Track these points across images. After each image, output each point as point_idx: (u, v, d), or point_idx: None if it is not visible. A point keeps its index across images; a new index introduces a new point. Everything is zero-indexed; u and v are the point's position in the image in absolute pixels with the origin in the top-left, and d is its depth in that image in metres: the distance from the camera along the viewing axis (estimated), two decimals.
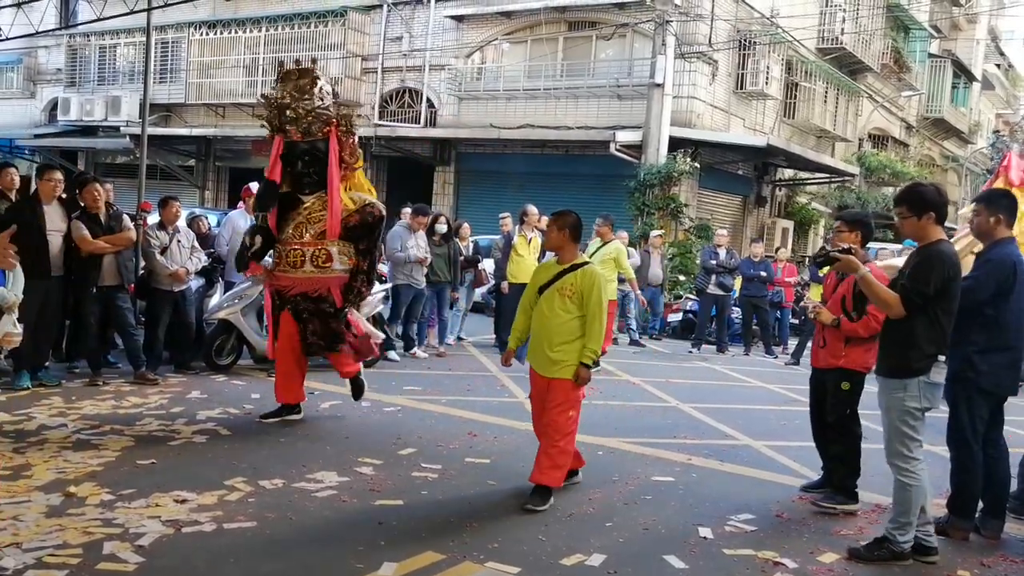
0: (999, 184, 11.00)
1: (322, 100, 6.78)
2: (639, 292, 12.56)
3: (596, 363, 5.44)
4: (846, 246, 4.97)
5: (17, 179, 8.33)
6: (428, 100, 19.19)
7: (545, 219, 12.54)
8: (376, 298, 9.51)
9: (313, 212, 6.77)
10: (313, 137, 6.72)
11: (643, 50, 17.08)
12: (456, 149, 19.28)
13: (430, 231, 10.66)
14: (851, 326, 5.53)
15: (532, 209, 11.52)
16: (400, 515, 4.84)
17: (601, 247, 11.22)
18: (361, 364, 7.34)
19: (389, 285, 10.19)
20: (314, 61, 7.22)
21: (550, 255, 5.76)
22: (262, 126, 7.10)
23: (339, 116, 6.84)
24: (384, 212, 6.96)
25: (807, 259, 17.00)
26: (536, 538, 4.67)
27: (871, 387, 5.11)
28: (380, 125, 19.07)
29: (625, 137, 16.20)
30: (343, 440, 6.47)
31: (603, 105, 17.50)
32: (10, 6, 11.44)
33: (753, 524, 5.15)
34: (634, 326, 13.55)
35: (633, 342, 13.33)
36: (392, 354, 10.06)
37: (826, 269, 6.20)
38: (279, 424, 6.85)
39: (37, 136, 23.82)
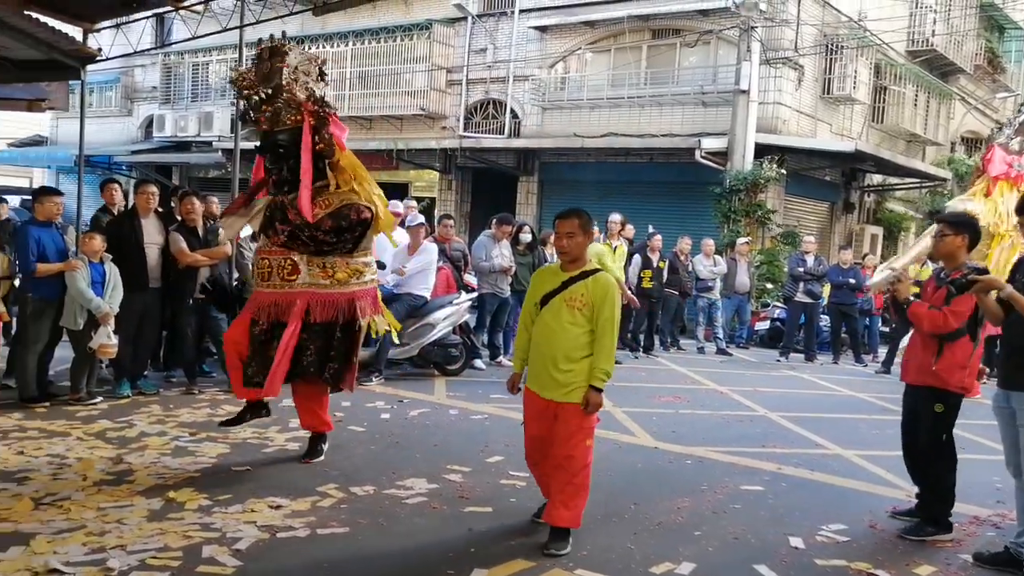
0: (980, 181, 10.75)
1: (294, 80, 5.67)
2: (630, 293, 11.61)
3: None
4: (974, 265, 4.85)
5: (120, 194, 8.68)
6: (512, 111, 19.29)
7: (631, 228, 12.52)
8: (463, 307, 9.60)
9: (287, 215, 5.70)
10: (283, 127, 5.64)
11: (728, 56, 16.86)
12: (539, 159, 19.33)
13: (514, 241, 10.70)
14: (920, 311, 5.09)
15: (615, 217, 11.47)
16: (489, 522, 4.86)
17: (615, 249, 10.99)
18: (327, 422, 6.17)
19: (475, 294, 10.27)
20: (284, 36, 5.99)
21: (554, 260, 5.25)
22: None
23: (312, 99, 5.67)
24: (372, 214, 5.78)
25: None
26: (625, 546, 4.63)
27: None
28: (465, 136, 19.23)
29: (710, 144, 16.01)
30: (431, 448, 6.53)
31: (687, 112, 17.33)
32: (109, 27, 11.91)
33: (845, 534, 5.03)
34: (721, 335, 13.37)
35: (720, 351, 13.15)
36: (478, 363, 10.13)
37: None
38: (368, 432, 6.94)
39: (134, 152, 24.69)
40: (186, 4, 11.14)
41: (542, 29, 18.95)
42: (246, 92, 5.65)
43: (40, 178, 28.71)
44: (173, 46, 21.19)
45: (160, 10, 11.28)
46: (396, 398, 8.31)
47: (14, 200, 16.40)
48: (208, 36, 13.07)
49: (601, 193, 17.65)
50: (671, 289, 13.06)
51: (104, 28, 11.68)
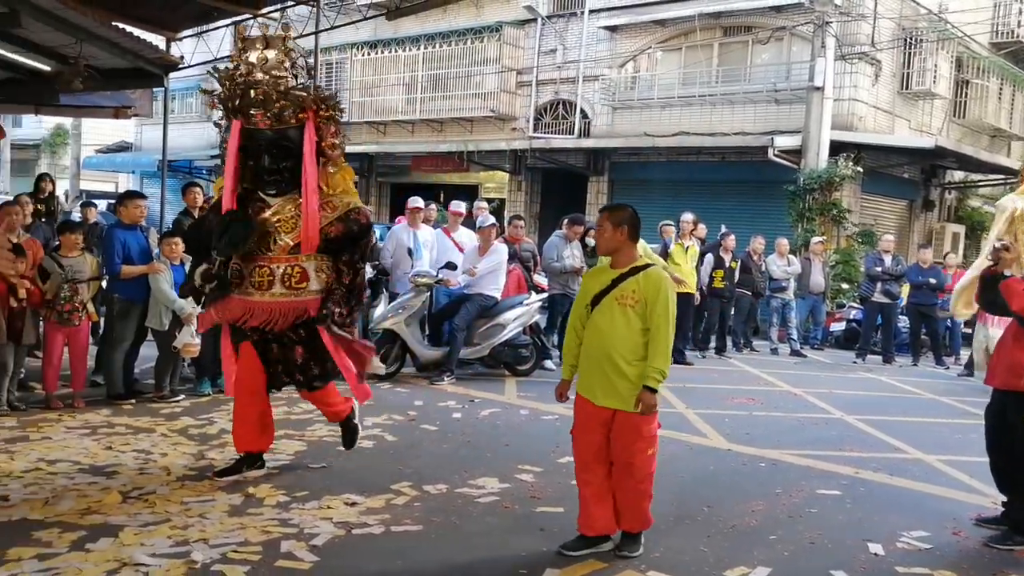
0: None
1: (296, 78, 5.48)
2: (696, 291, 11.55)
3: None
4: None
5: (201, 197, 8.92)
6: (582, 111, 19.28)
7: (703, 227, 12.41)
8: (533, 307, 9.65)
9: (283, 218, 5.35)
10: (285, 124, 5.33)
11: (801, 53, 16.59)
12: (610, 159, 19.27)
13: (584, 241, 10.70)
14: (1017, 286, 4.83)
15: (688, 216, 11.38)
16: (561, 522, 4.86)
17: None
18: (354, 404, 5.90)
19: (546, 294, 10.30)
20: (287, 28, 5.72)
21: (604, 259, 4.67)
22: (218, 106, 5.58)
23: (318, 98, 5.42)
24: (371, 218, 5.62)
25: None
26: (698, 549, 4.61)
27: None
28: (534, 137, 19.29)
29: (783, 142, 15.77)
30: (503, 447, 6.58)
31: (760, 110, 17.10)
32: (191, 36, 12.29)
33: (928, 541, 4.91)
34: (795, 336, 13.16)
35: (794, 352, 12.94)
36: (549, 363, 10.14)
37: None
38: (440, 431, 7.02)
39: (213, 156, 25.31)
40: (263, 11, 11.41)
41: (612, 29, 18.90)
42: (257, 85, 5.30)
43: (125, 182, 29.63)
44: None
45: (239, 18, 11.56)
46: (467, 398, 8.39)
47: (101, 204, 17.01)
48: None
49: (672, 193, 17.52)
50: (743, 289, 12.91)
51: (186, 37, 12.08)
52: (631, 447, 4.35)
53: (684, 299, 10.05)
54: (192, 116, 27.03)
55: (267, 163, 5.34)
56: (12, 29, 8.00)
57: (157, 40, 10.83)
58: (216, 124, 5.90)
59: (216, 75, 5.54)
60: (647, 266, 4.45)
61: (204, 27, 12.41)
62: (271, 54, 5.36)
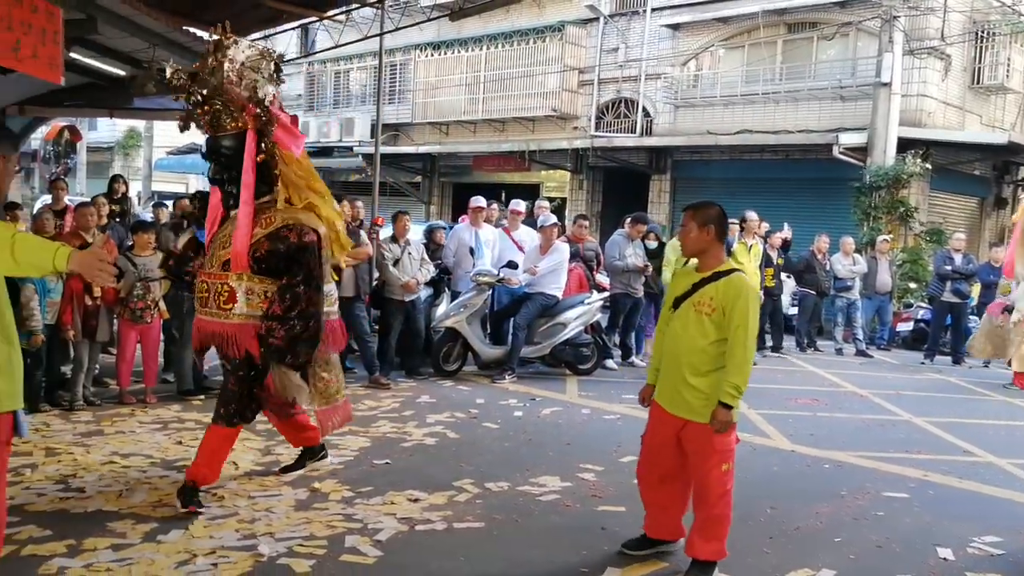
0: None
1: (239, 79, 4.84)
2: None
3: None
4: None
5: None
6: (644, 109, 19.17)
7: (765, 225, 12.26)
8: (594, 306, 9.64)
9: (227, 232, 4.95)
10: (224, 131, 4.88)
11: (868, 48, 16.26)
12: (672, 157, 19.13)
13: (645, 242, 10.64)
14: None
15: (752, 215, 11.26)
16: (623, 521, 4.86)
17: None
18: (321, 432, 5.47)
19: (607, 293, 10.28)
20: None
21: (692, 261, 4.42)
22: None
23: (254, 100, 4.85)
24: (316, 238, 4.90)
25: None
26: (761, 551, 4.57)
27: None
28: (596, 136, 19.25)
29: (849, 139, 15.47)
30: (564, 446, 6.59)
31: (825, 107, 16.81)
32: (259, 39, 12.52)
33: (1001, 547, 4.78)
34: (861, 336, 12.92)
35: (860, 352, 12.70)
36: (610, 363, 10.13)
37: None
38: (502, 429, 7.06)
39: None
40: (329, 14, 11.59)
41: (674, 27, 18.75)
42: (180, 92, 4.91)
43: (195, 183, 30.31)
44: (317, 55, 22.01)
45: (305, 21, 11.77)
46: (528, 396, 8.42)
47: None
48: (350, 44, 13.58)
49: (735, 191, 17.31)
50: (807, 288, 12.72)
51: (254, 40, 12.28)
52: (704, 462, 4.09)
53: None
54: None
55: (212, 172, 5.00)
56: (90, 35, 8.24)
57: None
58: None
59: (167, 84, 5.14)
60: (731, 271, 4.15)
61: (272, 30, 12.63)
62: (216, 56, 4.84)
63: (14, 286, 7.01)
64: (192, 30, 9.47)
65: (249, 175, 4.83)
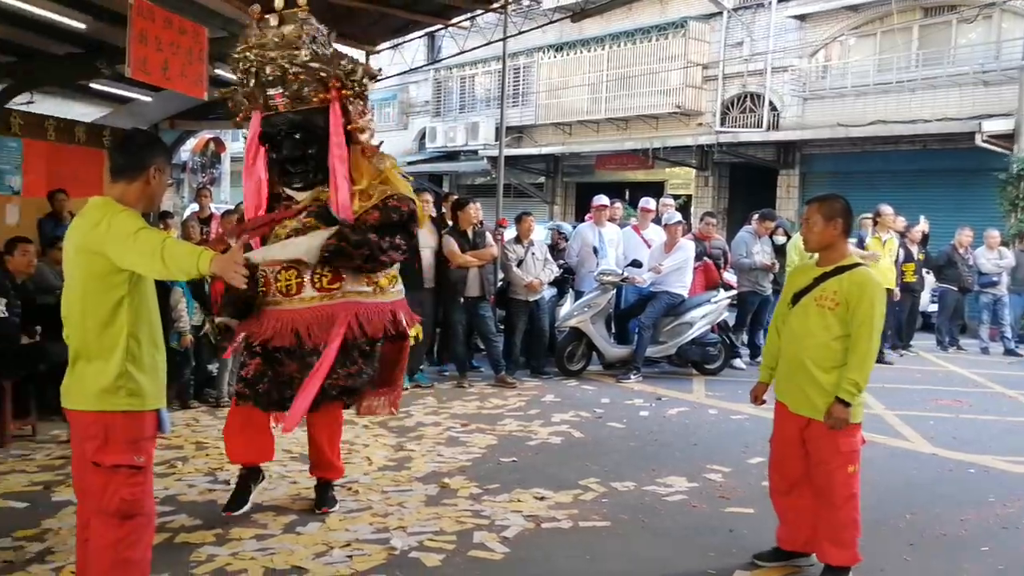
0: None
1: (318, 52, 4.60)
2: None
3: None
4: None
5: None
6: (770, 103, 18.72)
7: (900, 219, 11.79)
8: (721, 305, 9.49)
9: (311, 215, 4.64)
10: (307, 105, 4.58)
11: (1013, 30, 15.40)
12: (800, 151, 18.61)
13: (773, 238, 10.40)
14: None
15: (886, 209, 10.85)
16: (751, 524, 4.79)
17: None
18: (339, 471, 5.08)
19: (734, 292, 10.10)
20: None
21: (808, 256, 4.32)
22: (229, 103, 4.87)
23: (340, 73, 4.61)
24: (415, 207, 4.71)
25: None
26: (901, 559, 4.40)
27: None
28: (721, 132, 18.93)
29: (993, 127, 14.68)
30: (691, 446, 6.53)
31: (965, 94, 16.00)
32: (388, 48, 12.89)
33: None
34: (1009, 334, 12.24)
35: (1008, 351, 12.04)
36: (738, 362, 9.95)
37: None
38: (627, 429, 7.04)
39: (409, 163, 26.41)
40: (454, 21, 11.82)
41: (801, 18, 18.24)
42: (271, 62, 4.52)
43: None
44: (443, 61, 22.44)
45: (431, 28, 12.03)
46: (654, 396, 8.37)
47: None
48: (475, 50, 13.80)
49: (868, 184, 16.70)
50: (949, 284, 12.16)
51: (383, 49, 12.67)
52: (828, 463, 3.96)
53: None
54: (389, 124, 28.25)
55: (290, 150, 4.62)
56: (231, 52, 8.70)
57: (358, 54, 11.45)
58: (236, 124, 5.18)
59: (230, 63, 4.77)
60: (855, 265, 4.02)
61: (400, 39, 12.98)
62: (287, 29, 4.55)
63: (164, 291, 7.46)
64: None
65: (341, 148, 4.57)
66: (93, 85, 11.15)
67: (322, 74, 4.54)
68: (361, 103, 4.72)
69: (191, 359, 7.47)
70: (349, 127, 4.64)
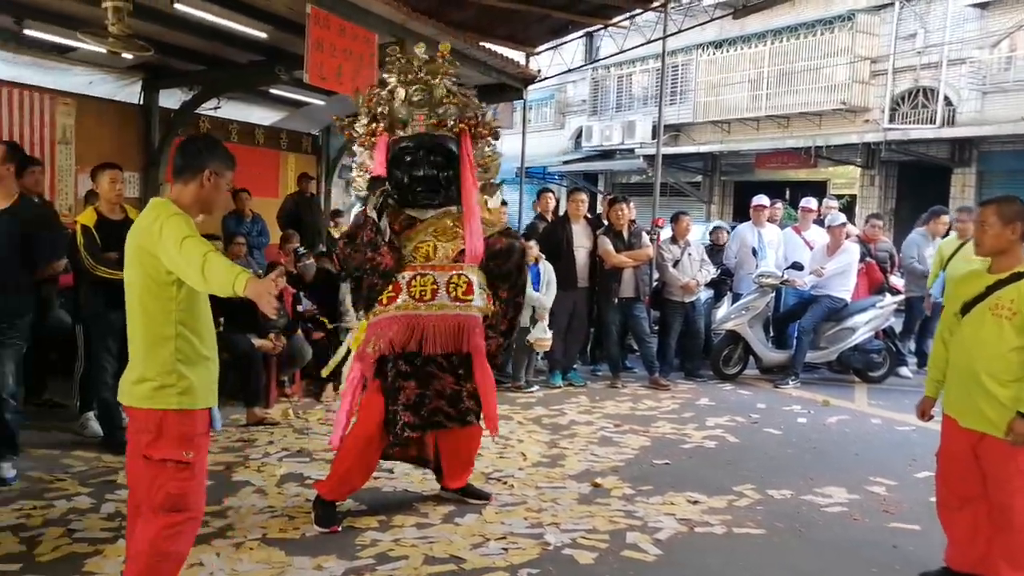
0: None
1: (459, 85, 4.94)
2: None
3: None
4: None
5: (553, 202, 9.48)
6: (945, 98, 17.78)
7: None
8: (887, 310, 9.13)
9: (441, 231, 4.74)
10: (445, 131, 4.78)
11: None
12: (978, 148, 17.58)
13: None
14: None
15: None
16: (917, 541, 4.61)
17: (963, 244, 8.45)
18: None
19: (901, 297, 9.68)
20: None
21: (975, 260, 4.11)
22: (351, 115, 5.05)
23: (478, 111, 4.92)
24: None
25: None
26: None
27: None
28: (890, 128, 18.12)
29: None
30: (852, 456, 6.33)
31: None
32: (547, 50, 13.05)
33: None
34: None
35: None
36: (904, 370, 9.53)
37: None
38: (784, 435, 6.90)
39: (565, 162, 26.61)
40: (614, 21, 11.83)
41: (982, 6, 17.21)
42: (422, 84, 4.80)
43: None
44: (601, 61, 22.47)
45: (590, 29, 12.09)
46: (813, 403, 8.15)
47: None
48: (634, 49, 13.77)
49: None
50: None
51: (543, 51, 12.82)
52: (1007, 483, 3.73)
53: None
54: (546, 124, 28.54)
55: (427, 170, 4.71)
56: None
57: (518, 56, 11.66)
58: (349, 152, 5.37)
59: (374, 91, 4.98)
60: None
61: (559, 40, 13.11)
62: (434, 64, 4.86)
63: (334, 286, 7.82)
64: (488, 45, 10.08)
65: (472, 174, 4.78)
66: (271, 90, 11.80)
67: (461, 105, 4.80)
68: (488, 143, 4.95)
69: None
70: (479, 161, 4.89)
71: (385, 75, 4.92)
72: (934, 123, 17.80)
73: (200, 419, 3.20)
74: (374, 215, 4.51)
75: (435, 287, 4.58)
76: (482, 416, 4.78)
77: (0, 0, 8.23)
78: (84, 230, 5.73)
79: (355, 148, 5.01)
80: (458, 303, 4.59)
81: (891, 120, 18.56)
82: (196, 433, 3.17)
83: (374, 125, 4.81)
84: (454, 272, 4.61)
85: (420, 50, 4.94)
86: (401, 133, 4.78)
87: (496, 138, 5.02)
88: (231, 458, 5.76)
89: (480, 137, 4.88)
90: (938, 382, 4.14)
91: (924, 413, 4.25)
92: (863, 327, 9.00)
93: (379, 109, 4.81)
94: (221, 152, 3.28)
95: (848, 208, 17.82)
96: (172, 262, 2.99)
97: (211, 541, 4.26)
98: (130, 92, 10.87)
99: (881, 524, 4.91)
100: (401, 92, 4.78)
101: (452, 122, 4.77)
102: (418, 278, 4.60)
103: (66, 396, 6.79)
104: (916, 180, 18.87)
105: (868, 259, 9.68)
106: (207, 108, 11.28)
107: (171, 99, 11.04)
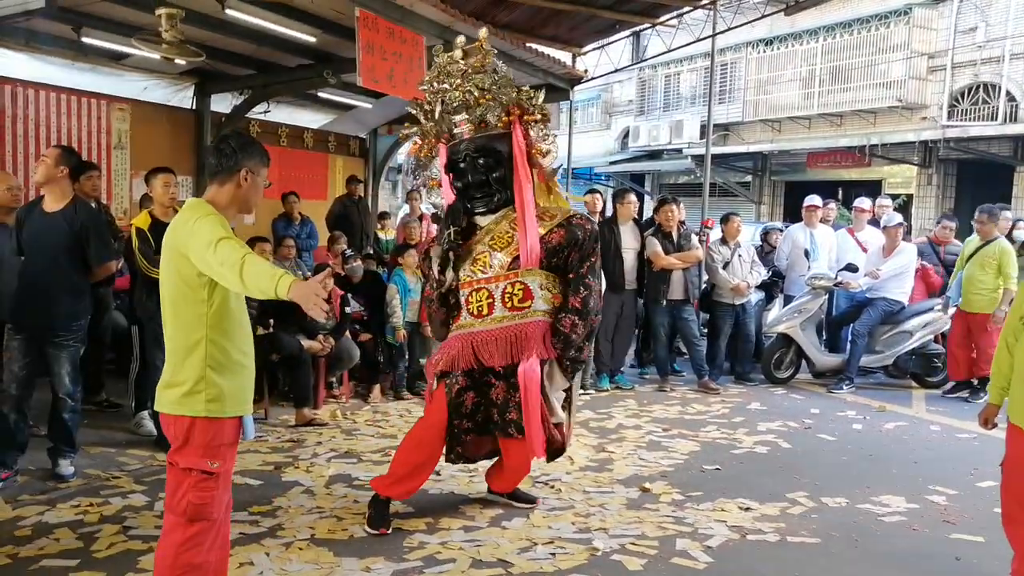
0: None
1: (498, 80, 4.69)
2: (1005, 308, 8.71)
3: None
4: None
5: (599, 203, 9.39)
6: (1008, 93, 17.32)
7: None
8: (946, 314, 8.90)
9: (497, 237, 4.64)
10: (490, 131, 4.65)
11: None
12: None
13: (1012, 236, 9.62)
14: None
15: None
16: (981, 553, 4.46)
17: (982, 247, 8.47)
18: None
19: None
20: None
21: None
22: (414, 129, 4.96)
23: (522, 98, 4.67)
24: (595, 229, 4.71)
25: None
26: None
27: None
28: (949, 126, 17.71)
29: None
30: (911, 464, 6.16)
31: None
32: (593, 50, 12.97)
33: None
34: None
35: None
36: None
37: None
38: (839, 442, 6.76)
39: (612, 163, 26.46)
40: (661, 20, 11.72)
41: None
42: (457, 88, 4.68)
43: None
44: (648, 60, 22.32)
45: (638, 28, 11.99)
46: (869, 408, 7.98)
47: None
48: (682, 48, 13.64)
49: None
50: None
51: (590, 51, 12.74)
52: None
53: None
54: (592, 125, 28.41)
55: (475, 175, 4.68)
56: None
57: (564, 57, 11.60)
58: (419, 164, 5.15)
59: (416, 100, 4.92)
60: None
61: (606, 40, 13.03)
62: (470, 61, 4.72)
63: (380, 288, 7.84)
64: (534, 46, 10.04)
65: (525, 170, 4.61)
66: (319, 94, 11.90)
67: (503, 99, 4.63)
68: (542, 127, 4.73)
69: (405, 353, 7.84)
70: (532, 151, 4.69)
71: (422, 86, 4.85)
72: (996, 119, 17.37)
73: (229, 428, 3.11)
74: (436, 270, 4.60)
75: (491, 300, 4.55)
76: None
77: (60, 9, 8.39)
78: (139, 233, 5.82)
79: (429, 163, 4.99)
80: (515, 312, 4.53)
81: (950, 117, 18.14)
82: (223, 443, 3.09)
83: (431, 140, 4.80)
84: (508, 281, 4.54)
85: (459, 44, 4.79)
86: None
87: (548, 121, 4.80)
88: (280, 458, 5.81)
89: (534, 123, 4.69)
90: (1003, 389, 3.95)
91: (987, 421, 4.08)
92: (921, 331, 8.79)
93: (428, 125, 4.79)
94: (255, 149, 3.20)
95: (904, 208, 17.44)
96: (204, 263, 2.90)
97: (261, 540, 4.29)
98: (183, 97, 11.05)
99: (942, 535, 4.76)
100: (437, 105, 4.73)
101: (494, 118, 4.63)
102: (474, 294, 4.59)
103: (122, 396, 6.91)
104: (977, 179, 18.42)
105: (923, 262, 9.43)
106: (257, 112, 11.42)
107: (222, 103, 11.20)
